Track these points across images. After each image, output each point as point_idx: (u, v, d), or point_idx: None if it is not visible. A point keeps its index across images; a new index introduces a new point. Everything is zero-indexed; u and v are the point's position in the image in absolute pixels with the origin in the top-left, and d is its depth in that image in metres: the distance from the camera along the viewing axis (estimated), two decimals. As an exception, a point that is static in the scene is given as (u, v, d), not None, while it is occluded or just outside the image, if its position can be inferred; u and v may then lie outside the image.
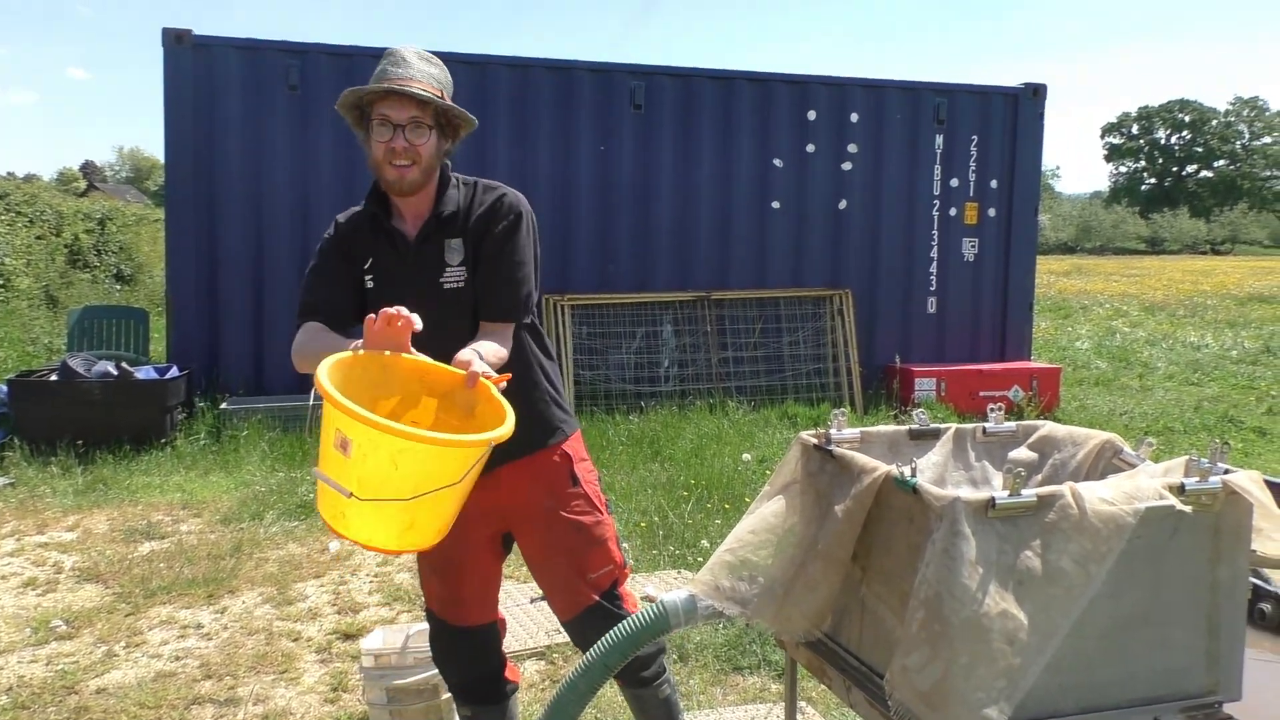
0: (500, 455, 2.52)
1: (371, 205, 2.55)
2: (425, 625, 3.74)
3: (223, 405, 7.77)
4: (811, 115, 9.56)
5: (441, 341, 2.47)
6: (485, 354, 2.32)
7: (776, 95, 9.48)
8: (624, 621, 2.01)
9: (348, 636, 4.22)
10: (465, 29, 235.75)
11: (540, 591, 4.54)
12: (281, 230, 8.39)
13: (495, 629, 2.79)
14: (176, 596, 4.64)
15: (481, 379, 2.16)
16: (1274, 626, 2.10)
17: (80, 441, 7.00)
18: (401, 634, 3.56)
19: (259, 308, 8.37)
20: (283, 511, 5.94)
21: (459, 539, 2.59)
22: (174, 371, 7.73)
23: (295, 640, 4.19)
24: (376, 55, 9.20)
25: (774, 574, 1.91)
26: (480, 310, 2.52)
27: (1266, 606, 2.11)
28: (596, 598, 2.62)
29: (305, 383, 8.39)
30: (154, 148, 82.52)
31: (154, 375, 7.59)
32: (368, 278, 2.55)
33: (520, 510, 2.62)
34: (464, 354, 2.23)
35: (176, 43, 8.04)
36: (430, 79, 2.45)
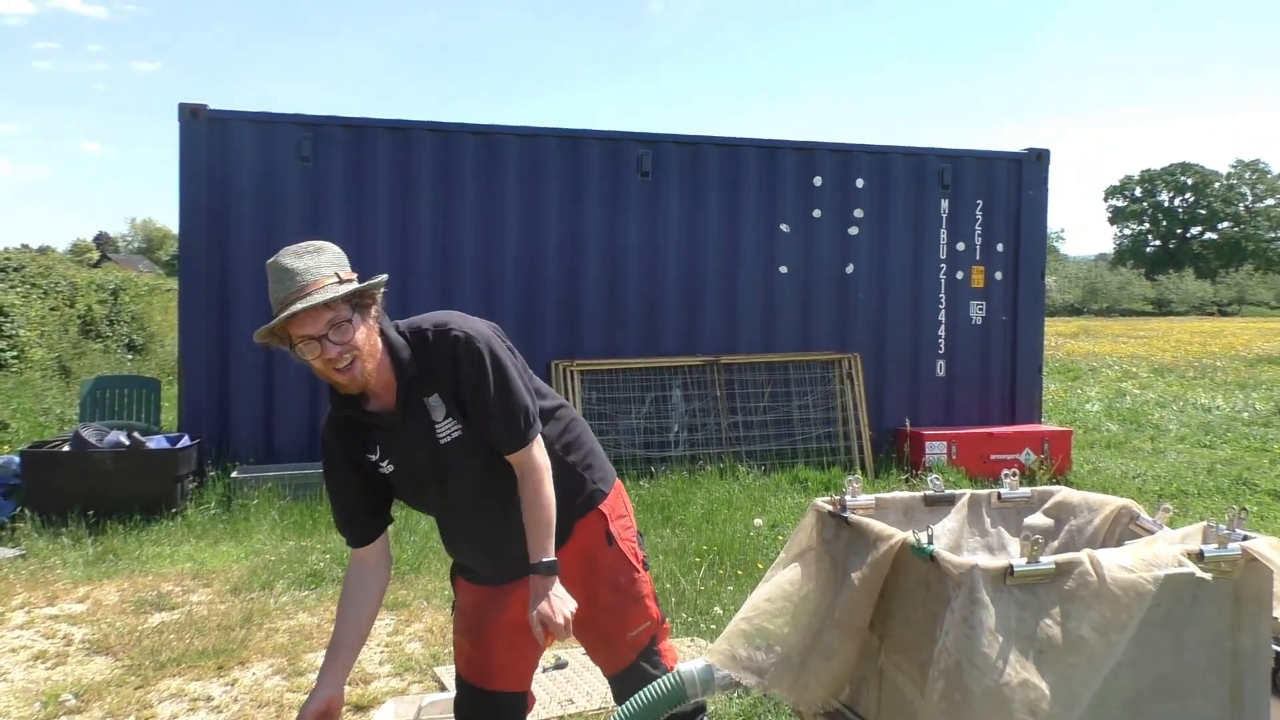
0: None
1: (341, 409, 2.50)
2: (438, 696, 3.71)
3: (233, 474, 7.76)
4: (818, 181, 9.67)
5: (471, 484, 2.56)
6: (542, 536, 2.44)
7: (783, 161, 9.59)
8: (640, 692, 2.00)
9: (359, 708, 4.17)
10: (475, 99, 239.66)
11: (553, 660, 4.52)
12: (293, 299, 8.46)
13: (522, 701, 2.75)
14: (187, 668, 4.60)
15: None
16: (1298, 694, 2.07)
17: (91, 512, 6.99)
18: (413, 705, 3.53)
19: (270, 377, 8.40)
20: (293, 581, 5.91)
21: (494, 599, 2.61)
22: (185, 440, 7.75)
23: (305, 713, 4.15)
24: (387, 127, 9.26)
25: (790, 643, 1.90)
26: (500, 451, 2.51)
27: (1290, 673, 2.08)
28: (634, 658, 2.64)
29: (315, 451, 8.39)
30: (166, 218, 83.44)
31: (165, 444, 7.60)
32: (384, 464, 2.54)
33: (561, 576, 2.61)
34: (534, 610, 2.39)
35: (192, 117, 8.19)
36: (320, 271, 2.33)
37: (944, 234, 10.02)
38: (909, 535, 1.74)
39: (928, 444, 9.26)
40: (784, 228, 9.60)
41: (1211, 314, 64.05)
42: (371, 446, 2.53)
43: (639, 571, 2.72)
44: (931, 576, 1.68)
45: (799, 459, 9.20)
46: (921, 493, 2.20)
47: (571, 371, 8.77)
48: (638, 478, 8.37)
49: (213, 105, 8.25)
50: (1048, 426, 10.21)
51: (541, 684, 4.33)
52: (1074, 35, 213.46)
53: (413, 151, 8.63)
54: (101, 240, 68.23)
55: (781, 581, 1.98)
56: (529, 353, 10.48)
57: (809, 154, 9.68)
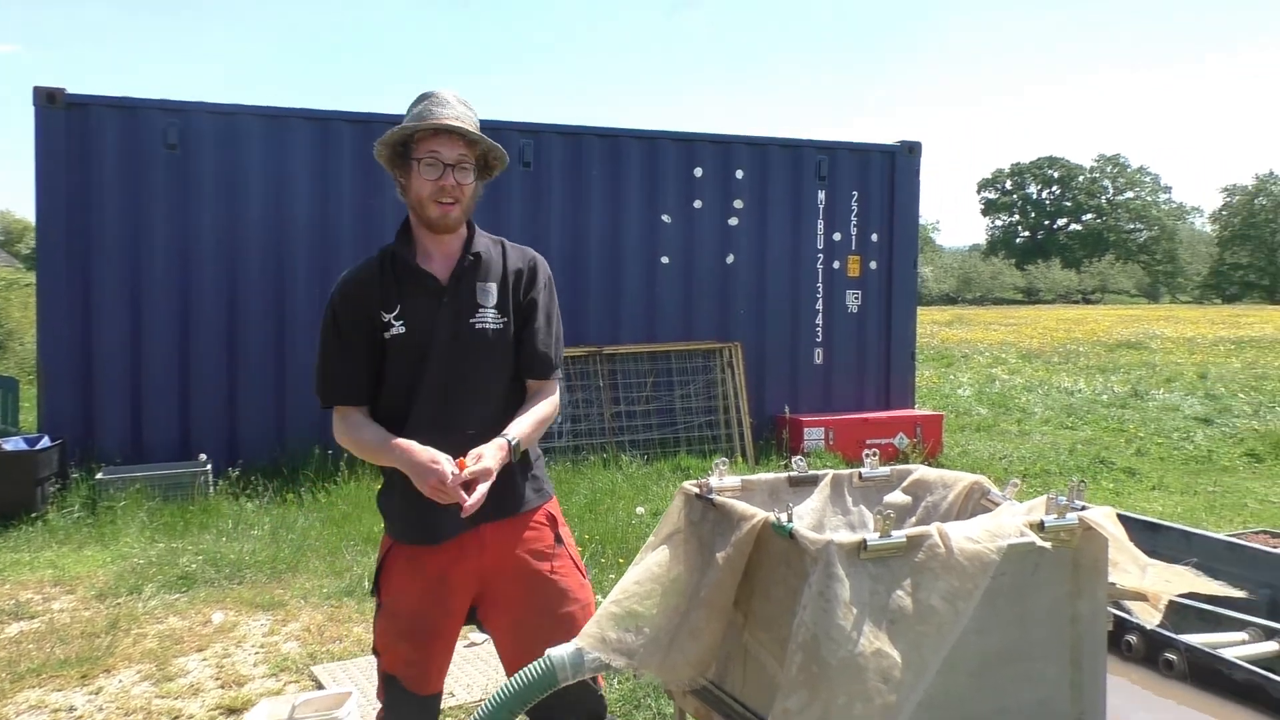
0: (486, 512, 2.44)
1: (400, 246, 2.54)
2: (311, 695, 3.64)
3: (98, 475, 7.46)
4: (698, 172, 9.77)
5: (472, 381, 2.51)
6: (528, 427, 2.50)
7: (663, 152, 9.66)
8: (510, 678, 2.00)
9: (231, 711, 4.07)
10: (350, 87, 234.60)
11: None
12: (159, 293, 8.15)
13: (440, 697, 2.72)
14: (47, 679, 4.41)
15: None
16: (1141, 657, 2.19)
17: (-58, 518, 6.64)
18: (287, 705, 3.46)
19: (137, 373, 8.09)
20: (163, 584, 5.72)
21: (438, 604, 2.53)
22: (45, 441, 7.42)
23: (176, 718, 4.03)
24: (259, 114, 8.95)
25: (659, 623, 1.93)
26: (528, 370, 2.58)
27: (1133, 638, 2.19)
28: None
29: (186, 449, 8.12)
30: (25, 210, 79.44)
31: (24, 446, 7.26)
32: (398, 324, 2.49)
33: (504, 572, 2.53)
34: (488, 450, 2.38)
35: (49, 102, 7.81)
36: (471, 121, 2.48)
37: (821, 224, 10.24)
38: (770, 515, 1.78)
39: (806, 430, 9.47)
40: (665, 218, 9.67)
41: (1076, 302, 66.98)
42: (391, 304, 2.49)
43: (584, 578, 2.68)
44: (791, 554, 1.71)
45: (681, 447, 9.30)
46: (787, 474, 2.25)
47: (453, 364, 8.67)
48: (522, 469, 8.34)
49: (73, 90, 7.89)
50: (921, 411, 10.54)
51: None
52: (951, 28, 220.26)
53: (288, 139, 8.38)
54: (-45, 233, 64.53)
55: (650, 564, 2.00)
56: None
57: (689, 145, 9.77)
